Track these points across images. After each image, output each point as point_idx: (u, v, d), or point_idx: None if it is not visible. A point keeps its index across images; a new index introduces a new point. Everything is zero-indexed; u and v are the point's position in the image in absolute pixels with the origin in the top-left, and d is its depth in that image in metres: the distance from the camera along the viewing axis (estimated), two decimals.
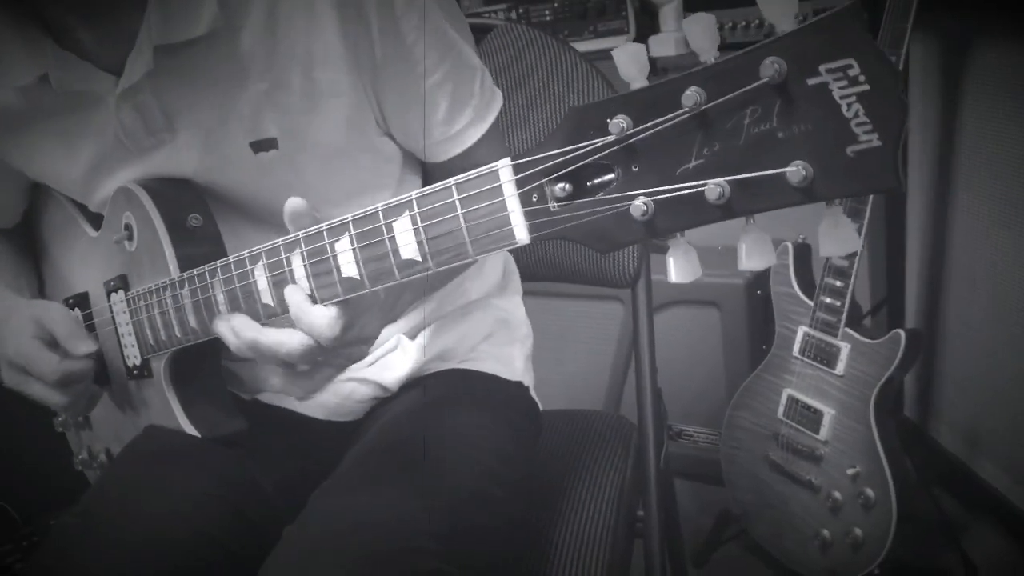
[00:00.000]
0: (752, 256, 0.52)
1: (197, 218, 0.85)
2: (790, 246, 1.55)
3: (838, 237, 0.48)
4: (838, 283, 1.44)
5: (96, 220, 0.98)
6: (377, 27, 0.79)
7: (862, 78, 0.44)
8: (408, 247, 0.64)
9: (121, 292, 0.92)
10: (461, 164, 0.90)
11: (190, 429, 0.88)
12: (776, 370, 1.57)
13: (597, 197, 0.54)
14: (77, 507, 0.86)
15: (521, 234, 0.58)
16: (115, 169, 0.88)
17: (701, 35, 0.49)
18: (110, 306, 0.94)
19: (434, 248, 0.63)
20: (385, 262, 0.65)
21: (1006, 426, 1.62)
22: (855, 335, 1.44)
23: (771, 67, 0.46)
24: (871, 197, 1.38)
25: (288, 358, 0.71)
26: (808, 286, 1.53)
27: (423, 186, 0.97)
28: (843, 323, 1.44)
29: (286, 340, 0.71)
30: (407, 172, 0.95)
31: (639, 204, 0.52)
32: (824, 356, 1.48)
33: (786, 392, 1.54)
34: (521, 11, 2.08)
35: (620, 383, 1.91)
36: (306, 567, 0.73)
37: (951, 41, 1.59)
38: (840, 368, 1.45)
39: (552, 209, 0.56)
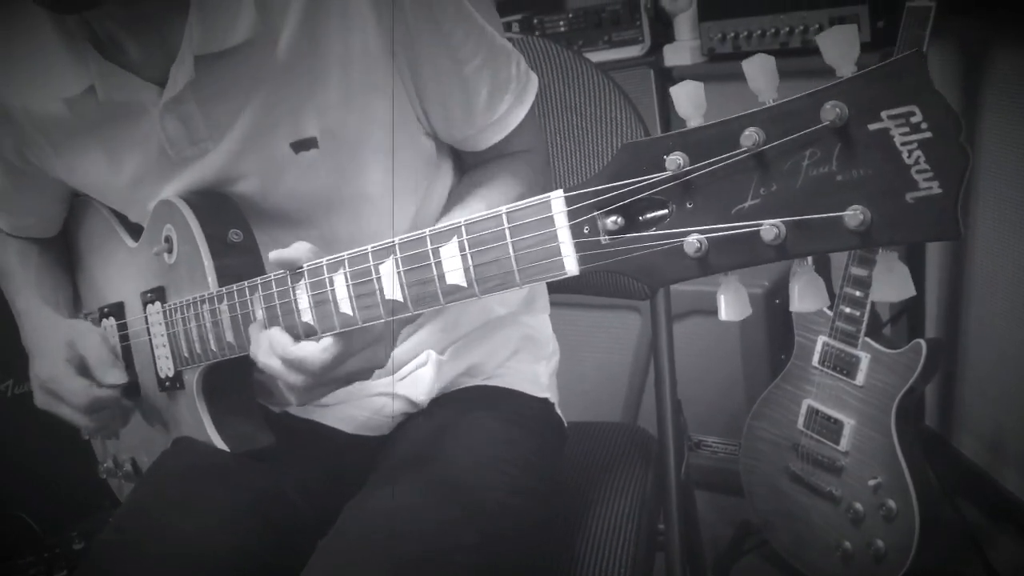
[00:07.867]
0: (805, 298, 0.51)
1: (238, 233, 0.86)
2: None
3: (892, 283, 0.48)
4: (857, 293, 1.43)
5: (134, 230, 0.99)
6: (412, 17, 0.80)
7: (924, 125, 0.44)
8: (455, 273, 0.64)
9: (158, 304, 0.93)
10: (501, 151, 0.92)
11: (220, 444, 0.89)
12: (795, 380, 1.56)
13: (650, 232, 0.54)
14: (112, 524, 0.88)
15: (571, 265, 0.58)
16: (159, 179, 0.89)
17: (760, 76, 0.49)
18: (145, 317, 0.95)
19: (481, 275, 0.63)
20: (430, 286, 0.66)
21: None
22: (875, 345, 1.43)
23: (832, 111, 0.46)
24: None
25: (299, 380, 0.74)
26: None
27: (456, 185, 0.98)
28: (863, 333, 1.43)
29: (309, 355, 0.73)
30: (443, 171, 0.96)
31: (693, 241, 0.52)
32: (844, 366, 1.46)
33: (806, 402, 1.53)
34: (535, 22, 2.09)
35: (638, 394, 1.90)
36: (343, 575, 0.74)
37: (969, 48, 1.58)
38: (860, 378, 1.44)
39: (603, 242, 0.56)
